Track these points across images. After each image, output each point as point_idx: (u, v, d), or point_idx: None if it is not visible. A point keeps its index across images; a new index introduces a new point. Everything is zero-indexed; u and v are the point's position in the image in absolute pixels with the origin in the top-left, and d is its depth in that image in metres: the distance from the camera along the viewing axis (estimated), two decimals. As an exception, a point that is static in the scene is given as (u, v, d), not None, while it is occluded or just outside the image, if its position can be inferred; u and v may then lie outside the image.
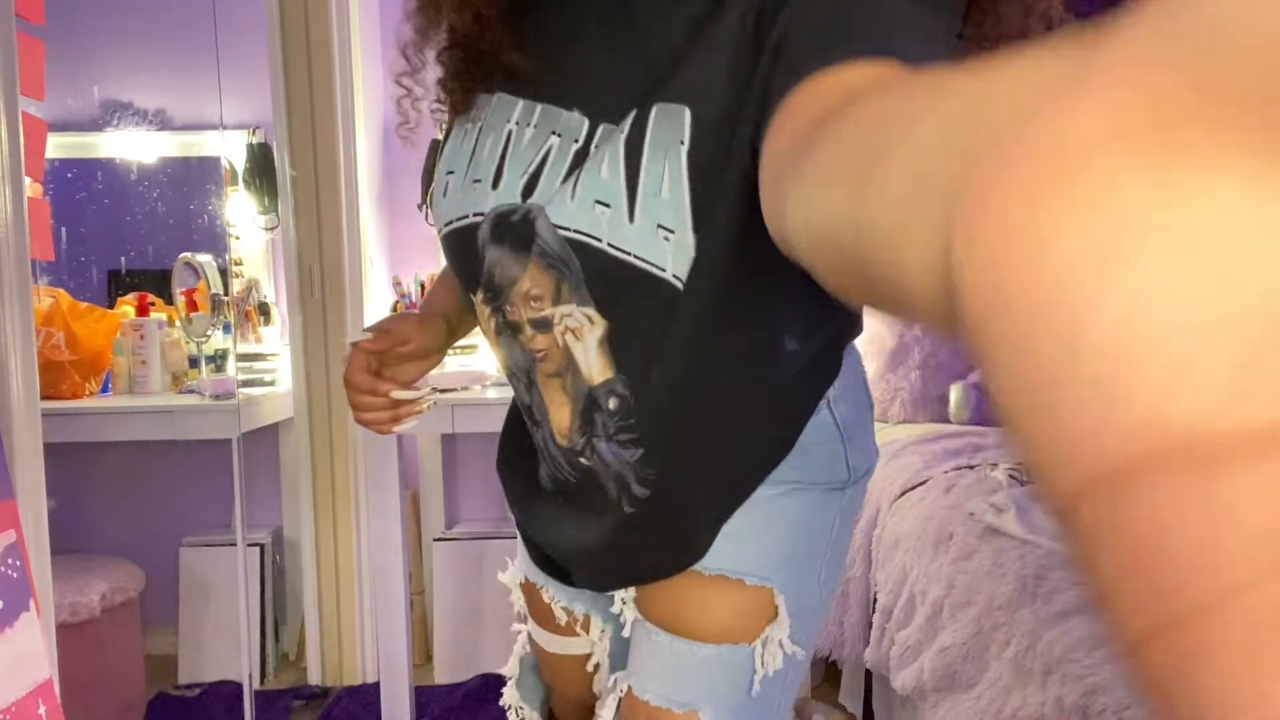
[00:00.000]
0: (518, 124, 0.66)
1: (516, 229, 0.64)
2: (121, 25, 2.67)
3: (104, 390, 2.37)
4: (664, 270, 0.60)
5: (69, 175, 2.67)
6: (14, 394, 1.22)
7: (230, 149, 2.65)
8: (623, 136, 0.59)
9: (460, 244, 0.69)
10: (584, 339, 0.65)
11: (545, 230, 0.63)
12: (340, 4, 2.42)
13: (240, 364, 2.49)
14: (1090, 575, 0.13)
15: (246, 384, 2.42)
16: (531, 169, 0.64)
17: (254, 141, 2.65)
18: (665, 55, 0.60)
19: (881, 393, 2.55)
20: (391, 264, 2.80)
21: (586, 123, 0.63)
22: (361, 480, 2.47)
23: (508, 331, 0.69)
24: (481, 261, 0.68)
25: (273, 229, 2.67)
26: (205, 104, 2.68)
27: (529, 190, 0.64)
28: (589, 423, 0.69)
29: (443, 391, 2.50)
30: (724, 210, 0.58)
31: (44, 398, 1.30)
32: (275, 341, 2.68)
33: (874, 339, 2.59)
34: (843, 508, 0.76)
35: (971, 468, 1.90)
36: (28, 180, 1.25)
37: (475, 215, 0.67)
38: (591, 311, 0.64)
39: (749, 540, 0.72)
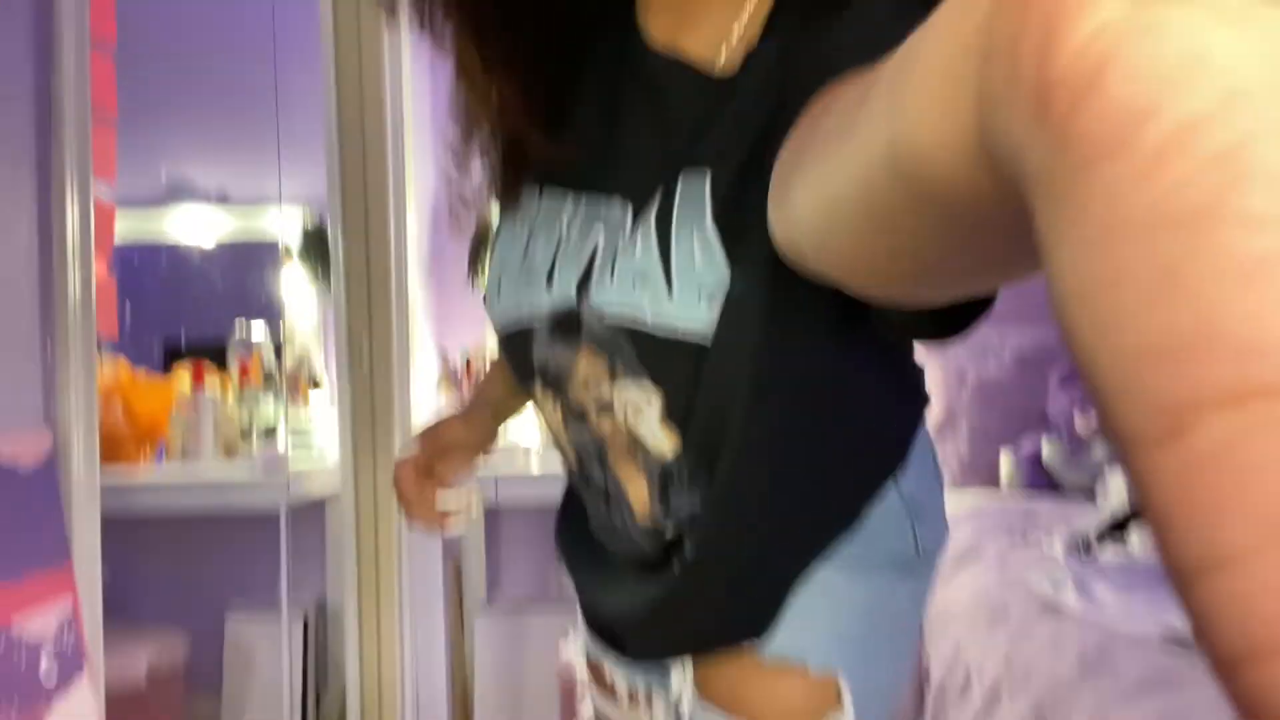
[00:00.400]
0: (567, 220, 0.66)
1: (561, 323, 0.65)
2: (186, 106, 2.80)
3: (158, 458, 2.42)
4: (707, 338, 0.59)
5: (133, 254, 2.77)
6: (76, 466, 1.26)
7: (287, 224, 2.74)
8: (653, 212, 0.60)
9: (518, 346, 0.69)
10: (645, 415, 0.65)
11: (591, 318, 0.63)
12: (394, 84, 2.51)
13: (290, 436, 2.53)
14: (1184, 502, 0.13)
15: (295, 456, 2.46)
16: (583, 267, 0.64)
17: (309, 217, 2.74)
18: (690, 125, 0.61)
19: (929, 463, 2.52)
20: (438, 335, 2.85)
21: (631, 208, 0.63)
22: (405, 552, 2.47)
23: (574, 419, 0.69)
24: (535, 359, 0.68)
25: (325, 303, 2.74)
26: (264, 181, 2.79)
27: (582, 288, 0.63)
28: (666, 500, 0.68)
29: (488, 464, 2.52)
30: (761, 272, 0.56)
31: (103, 463, 1.34)
32: (325, 414, 2.73)
33: (920, 408, 2.57)
34: (912, 588, 0.71)
35: (1025, 539, 1.85)
36: (96, 261, 1.31)
37: (530, 317, 0.67)
38: (648, 385, 0.63)
39: (811, 622, 0.69)
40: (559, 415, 0.70)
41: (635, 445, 0.67)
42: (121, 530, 2.47)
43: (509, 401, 0.89)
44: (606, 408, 0.66)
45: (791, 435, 0.65)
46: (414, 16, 0.67)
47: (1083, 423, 2.36)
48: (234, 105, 2.76)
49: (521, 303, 0.67)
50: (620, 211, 0.63)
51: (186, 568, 2.71)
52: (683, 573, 0.69)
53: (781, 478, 0.67)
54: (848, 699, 0.69)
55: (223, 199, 2.81)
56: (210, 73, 2.78)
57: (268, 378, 2.50)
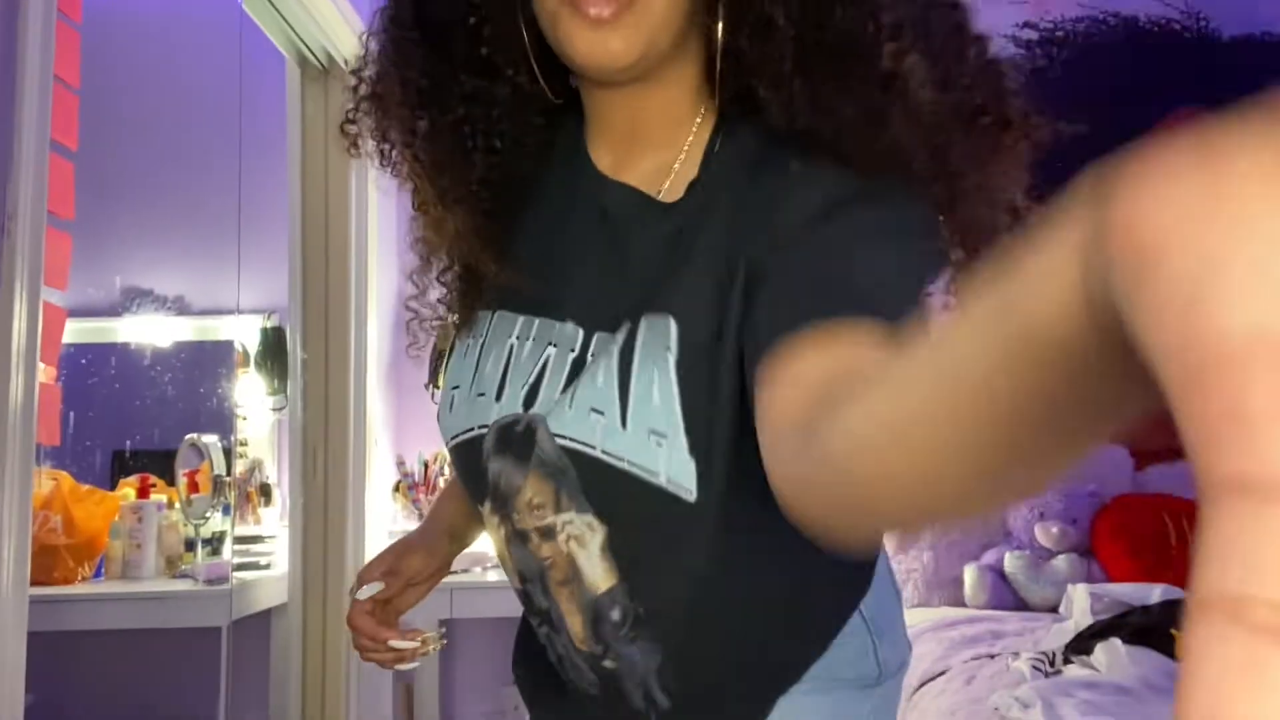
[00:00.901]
0: (518, 338, 0.68)
1: (519, 440, 0.65)
2: (146, 215, 2.80)
3: (97, 575, 2.31)
4: (657, 475, 0.59)
5: (83, 360, 2.72)
6: (3, 582, 1.19)
7: (244, 332, 2.72)
8: (616, 347, 0.61)
9: (467, 455, 0.70)
10: (587, 546, 0.65)
11: (544, 439, 0.64)
12: (360, 195, 2.54)
13: (237, 546, 2.44)
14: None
15: (241, 568, 2.37)
16: (531, 380, 0.65)
17: (268, 325, 2.72)
18: (648, 269, 0.63)
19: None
20: (396, 442, 2.80)
21: (581, 332, 0.65)
22: (354, 671, 2.37)
23: (517, 540, 0.69)
24: (485, 473, 0.68)
25: (281, 410, 2.69)
26: (223, 290, 2.77)
27: (530, 400, 0.65)
28: (599, 633, 0.67)
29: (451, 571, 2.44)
30: (720, 420, 0.59)
31: (34, 583, 1.27)
32: (274, 524, 2.65)
33: (883, 519, 2.55)
34: (875, 706, 0.70)
35: (992, 657, 1.82)
36: (41, 366, 1.28)
37: (480, 428, 0.68)
38: (591, 519, 0.64)
39: None
40: (503, 535, 0.69)
41: (573, 574, 0.66)
42: (53, 649, 2.34)
43: (468, 526, 0.89)
44: (549, 532, 0.66)
45: (760, 578, 0.66)
46: (375, 154, 0.72)
47: (1044, 534, 2.36)
48: (195, 212, 2.77)
49: (473, 415, 0.69)
50: (572, 333, 0.65)
51: (124, 688, 2.57)
52: (650, 703, 0.68)
53: (751, 620, 0.67)
54: None
55: (180, 309, 2.78)
56: (173, 180, 2.80)
57: (216, 487, 2.43)
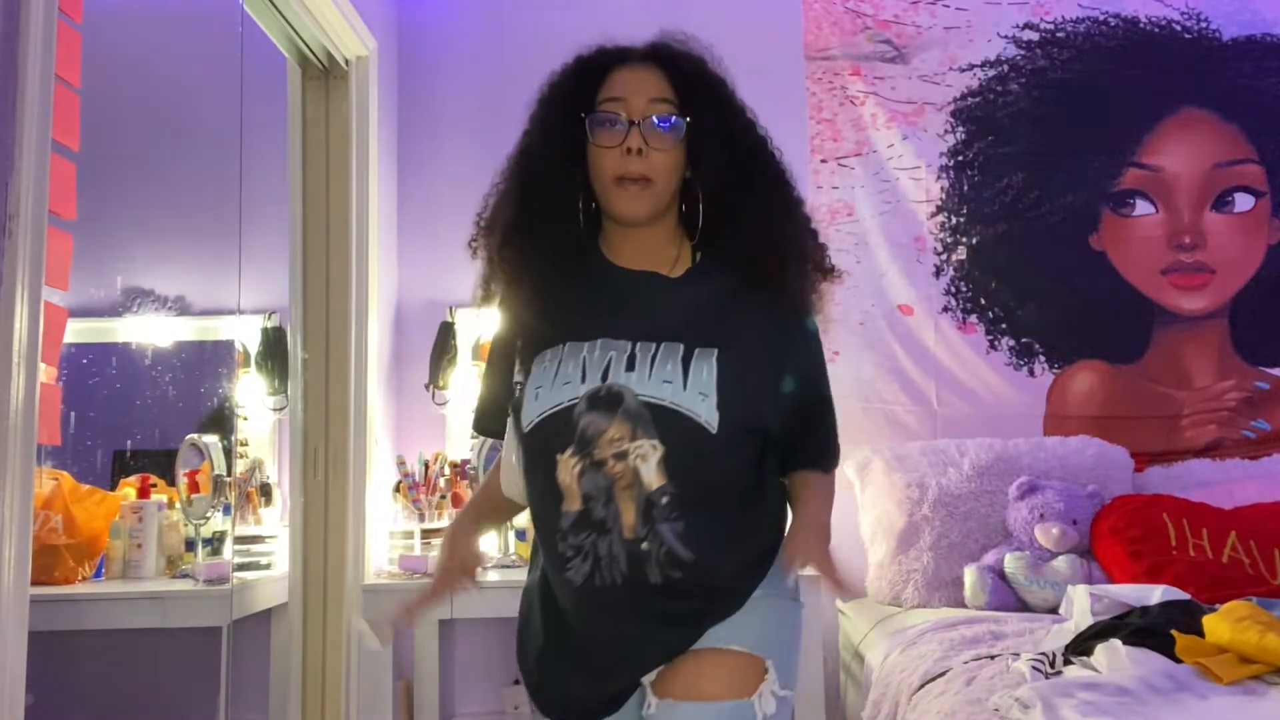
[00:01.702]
0: (587, 352, 1.14)
1: (604, 401, 1.10)
2: (147, 215, 2.80)
3: (97, 575, 2.31)
4: (699, 417, 1.09)
5: (84, 360, 2.72)
6: (4, 581, 1.19)
7: (245, 332, 2.71)
8: (679, 354, 1.11)
9: (556, 421, 1.11)
10: (649, 460, 1.08)
11: (629, 398, 1.09)
12: (360, 195, 2.54)
13: (237, 546, 2.44)
14: None
15: (242, 568, 2.37)
16: (602, 370, 1.12)
17: (269, 325, 2.72)
18: (665, 310, 1.16)
19: (894, 575, 2.48)
20: (396, 443, 2.80)
21: (629, 343, 1.13)
22: (354, 669, 2.37)
23: (592, 469, 1.09)
24: (575, 427, 1.10)
25: (281, 410, 2.69)
26: (224, 290, 2.77)
27: (604, 379, 1.11)
28: (649, 515, 1.08)
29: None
30: (729, 393, 1.11)
31: (35, 583, 1.27)
32: (274, 524, 2.65)
33: (883, 519, 2.55)
34: (799, 619, 1.21)
35: (992, 658, 1.82)
36: (43, 366, 1.28)
37: (569, 401, 1.11)
38: (655, 442, 1.08)
39: (746, 627, 1.12)
40: (578, 470, 1.09)
41: (636, 480, 1.08)
42: (54, 649, 2.34)
43: (493, 520, 1.41)
44: (621, 455, 1.09)
45: (745, 482, 1.16)
46: (481, 287, 1.23)
47: (1044, 535, 2.36)
48: (197, 212, 2.77)
49: (560, 396, 1.12)
50: (623, 344, 1.13)
51: (124, 688, 2.56)
52: (668, 578, 1.08)
53: (739, 508, 1.15)
54: (772, 671, 1.12)
55: (181, 309, 2.78)
56: (174, 180, 2.79)
57: (217, 487, 2.43)
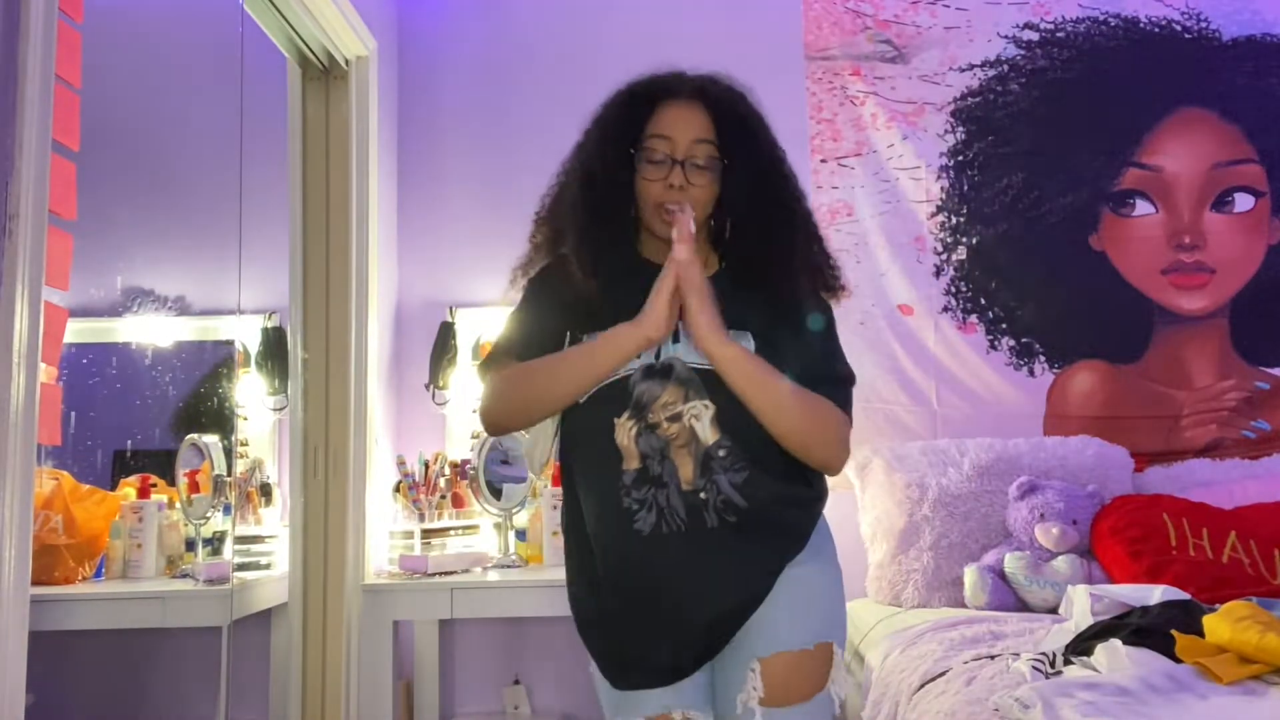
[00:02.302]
0: None
1: (658, 371, 1.28)
2: (147, 215, 2.79)
3: (97, 575, 2.31)
4: None
5: (84, 360, 2.72)
6: (4, 581, 1.19)
7: (245, 332, 2.71)
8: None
9: (614, 387, 1.29)
10: (702, 419, 1.26)
11: (680, 367, 1.28)
12: (360, 195, 2.54)
13: (237, 546, 2.44)
14: None
15: (242, 568, 2.37)
16: (655, 349, 1.31)
17: (269, 325, 2.72)
18: (734, 300, 1.33)
19: (894, 575, 2.48)
20: (396, 443, 2.80)
21: (675, 325, 1.31)
22: (354, 669, 2.37)
23: (647, 432, 1.27)
24: (630, 393, 1.28)
25: (281, 410, 2.69)
26: (224, 290, 2.77)
27: (656, 356, 1.30)
28: (707, 467, 1.26)
29: (444, 574, 2.44)
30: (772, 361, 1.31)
31: (35, 583, 1.27)
32: (275, 523, 2.65)
33: (883, 518, 2.55)
34: (838, 579, 1.38)
35: (992, 658, 1.82)
36: (43, 366, 1.28)
37: (625, 371, 1.29)
38: (708, 402, 1.27)
39: (813, 615, 1.31)
40: (635, 431, 1.27)
41: (691, 438, 1.26)
42: (53, 648, 2.33)
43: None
44: (675, 417, 1.26)
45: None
46: (522, 270, 1.46)
47: (1044, 535, 2.36)
48: (196, 212, 2.76)
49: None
50: (674, 326, 1.32)
51: (124, 688, 2.56)
52: (727, 521, 1.26)
53: (789, 461, 1.32)
54: (839, 656, 1.31)
55: (181, 309, 2.78)
56: (174, 180, 2.79)
57: (217, 487, 2.43)
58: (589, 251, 1.35)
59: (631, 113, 1.37)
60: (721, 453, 1.25)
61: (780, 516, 1.30)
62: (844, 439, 1.35)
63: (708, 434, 1.25)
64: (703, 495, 1.25)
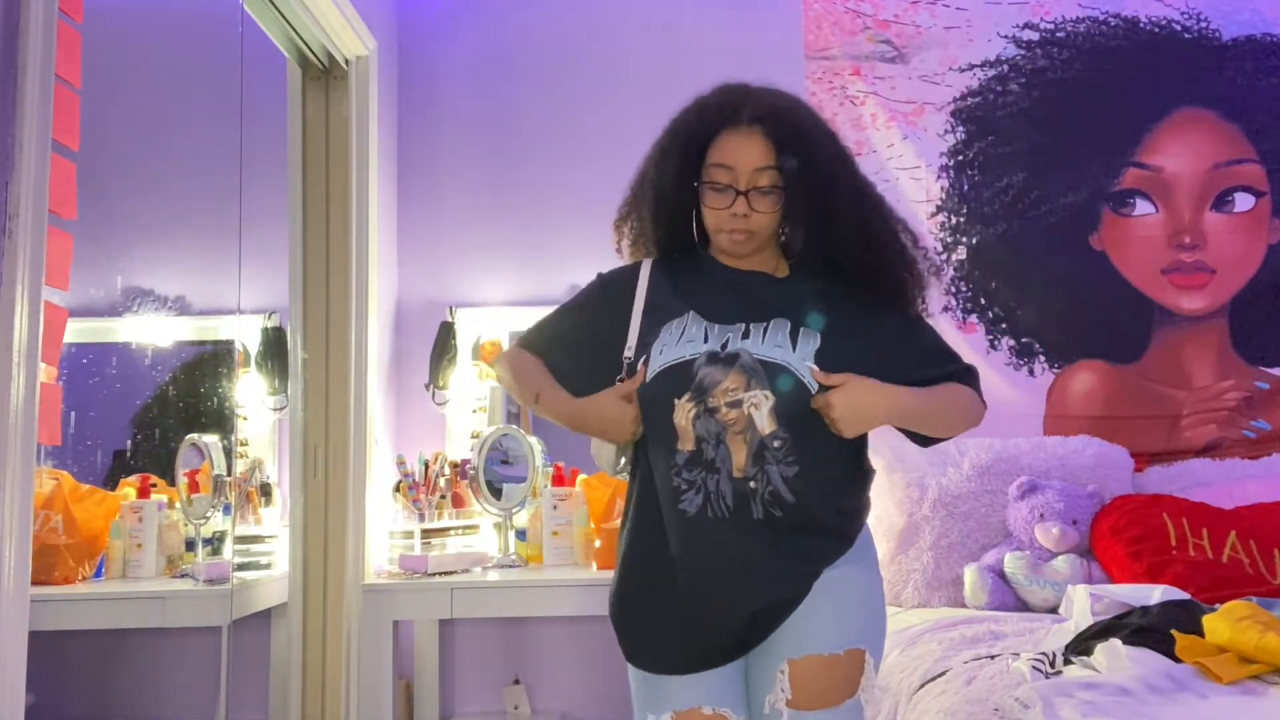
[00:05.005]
0: (708, 326, 1.34)
1: (722, 359, 1.30)
2: (147, 215, 2.79)
3: (97, 575, 2.31)
4: (804, 376, 1.29)
5: (84, 360, 2.72)
6: (4, 581, 1.19)
7: (245, 332, 2.71)
8: (788, 328, 1.34)
9: (677, 371, 1.31)
10: (761, 409, 1.28)
11: (747, 357, 1.30)
12: (360, 195, 2.54)
13: (237, 546, 2.44)
14: None
15: (242, 568, 2.37)
16: (723, 341, 1.32)
17: (269, 325, 2.72)
18: (773, 301, 1.37)
19: (893, 575, 2.48)
20: (396, 443, 2.80)
21: (744, 324, 1.34)
22: (354, 668, 2.37)
23: (706, 415, 1.28)
24: (694, 377, 1.30)
25: (281, 409, 2.69)
26: (224, 290, 2.77)
27: (723, 346, 1.32)
28: (760, 457, 1.28)
29: (444, 574, 2.44)
30: (829, 360, 1.31)
31: (35, 583, 1.27)
32: (275, 523, 2.65)
33: (883, 518, 2.55)
34: (879, 583, 1.39)
35: (992, 658, 1.82)
36: (43, 366, 1.28)
37: (691, 356, 1.31)
38: (768, 393, 1.28)
39: (848, 620, 1.30)
40: (693, 414, 1.28)
41: (749, 426, 1.27)
42: (53, 648, 2.33)
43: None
44: (735, 404, 1.28)
45: (846, 443, 1.33)
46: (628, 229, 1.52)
47: (1044, 535, 2.35)
48: (196, 211, 2.76)
49: (683, 351, 1.32)
50: (743, 324, 1.34)
51: (124, 688, 2.56)
52: (772, 515, 1.27)
53: (839, 452, 1.33)
54: (870, 664, 1.31)
55: (181, 309, 2.78)
56: (173, 180, 2.79)
57: (217, 487, 2.43)
58: (664, 260, 1.45)
59: (691, 143, 1.39)
60: (776, 444, 1.26)
61: (826, 516, 1.31)
62: (980, 414, 1.45)
63: (765, 423, 1.26)
64: (752, 485, 1.26)
